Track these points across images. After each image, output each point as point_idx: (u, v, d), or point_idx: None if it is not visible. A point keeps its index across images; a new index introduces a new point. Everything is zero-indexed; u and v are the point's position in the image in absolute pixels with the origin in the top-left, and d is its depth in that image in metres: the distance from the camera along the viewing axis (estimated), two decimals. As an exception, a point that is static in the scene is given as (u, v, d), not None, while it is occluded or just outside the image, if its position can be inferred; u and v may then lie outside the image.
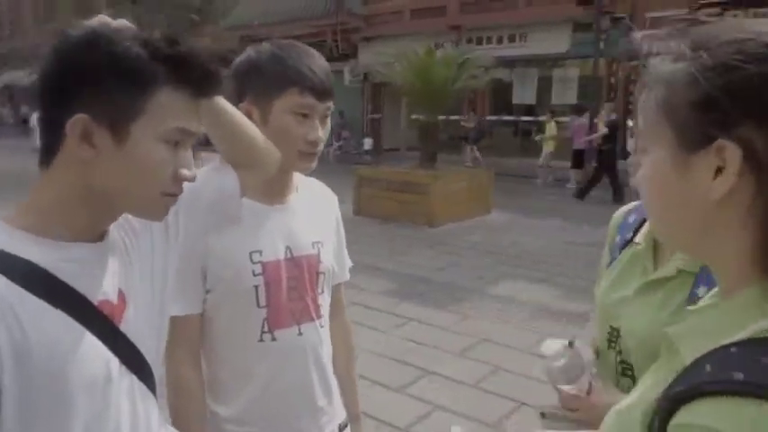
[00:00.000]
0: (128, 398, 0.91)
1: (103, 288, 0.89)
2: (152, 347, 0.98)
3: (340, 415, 1.50)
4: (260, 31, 21.44)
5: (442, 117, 10.37)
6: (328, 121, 1.36)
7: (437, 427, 3.47)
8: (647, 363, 0.80)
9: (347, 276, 1.61)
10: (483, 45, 16.67)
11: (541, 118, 15.35)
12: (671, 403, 0.58)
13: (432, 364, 4.26)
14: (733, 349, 0.58)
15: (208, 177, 1.09)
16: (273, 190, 1.36)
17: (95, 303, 0.87)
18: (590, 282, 5.44)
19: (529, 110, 18.07)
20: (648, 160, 0.67)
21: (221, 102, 1.03)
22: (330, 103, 1.33)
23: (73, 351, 0.82)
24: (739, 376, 0.54)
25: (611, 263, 1.28)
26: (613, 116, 12.05)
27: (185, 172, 0.89)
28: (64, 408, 0.82)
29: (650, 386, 0.68)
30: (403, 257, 7.22)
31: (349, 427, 1.54)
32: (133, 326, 0.93)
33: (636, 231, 1.24)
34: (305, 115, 1.29)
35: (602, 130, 11.78)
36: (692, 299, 1.04)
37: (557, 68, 17.32)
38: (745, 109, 0.58)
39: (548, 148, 13.79)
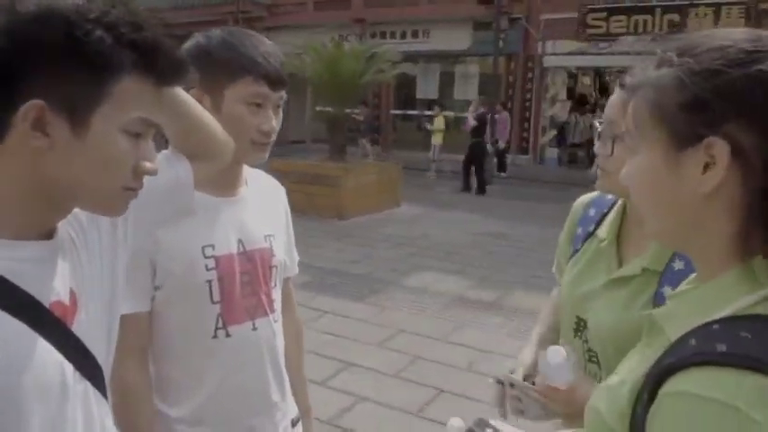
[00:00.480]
0: (82, 405, 0.84)
1: (55, 288, 0.81)
2: (103, 350, 0.91)
3: (292, 410, 1.48)
4: (151, 17, 20.47)
5: (348, 110, 10.39)
6: (280, 111, 1.32)
7: (361, 419, 3.48)
8: (615, 353, 0.88)
9: (296, 270, 1.58)
10: (387, 39, 16.83)
11: (428, 112, 15.83)
12: (659, 375, 0.63)
13: (352, 356, 4.27)
14: (715, 326, 0.63)
15: (160, 168, 1.02)
16: (224, 182, 1.32)
17: (47, 305, 0.79)
18: (498, 271, 5.71)
19: (432, 104, 18.49)
20: (638, 159, 0.72)
21: (180, 91, 0.98)
22: (283, 93, 1.30)
23: (26, 358, 0.75)
24: (722, 348, 0.59)
25: (573, 255, 1.33)
26: (481, 109, 12.77)
27: (147, 165, 0.83)
28: (16, 419, 0.74)
29: (637, 364, 0.72)
30: (315, 250, 7.16)
31: (301, 421, 1.52)
32: (85, 328, 0.85)
33: (597, 224, 1.29)
34: (258, 105, 1.26)
35: (472, 123, 12.42)
36: (658, 298, 1.10)
37: (458, 65, 17.84)
38: (732, 109, 0.63)
39: (436, 141, 14.20)
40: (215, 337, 1.28)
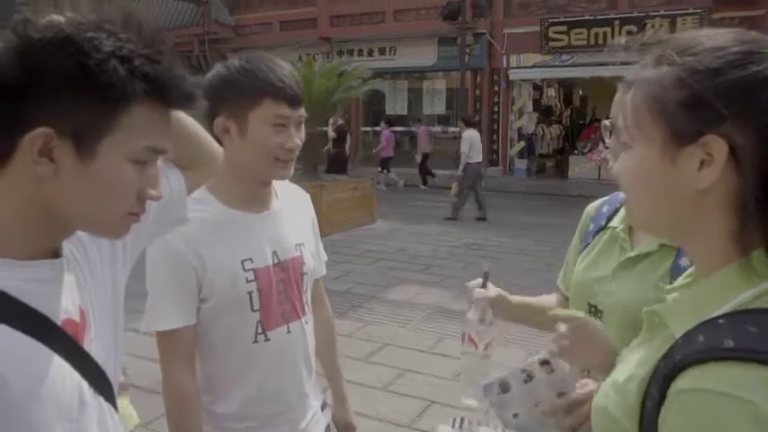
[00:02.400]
0: (99, 420, 0.86)
1: (65, 307, 0.82)
2: (111, 365, 0.92)
3: (320, 397, 1.62)
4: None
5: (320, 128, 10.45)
6: (302, 127, 1.41)
7: (353, 433, 3.49)
8: (630, 333, 0.87)
9: (324, 270, 1.68)
10: (354, 57, 16.98)
11: (377, 128, 16.45)
12: (670, 371, 0.64)
13: (339, 372, 4.27)
14: (721, 321, 0.65)
15: None
16: (258, 200, 1.44)
17: (59, 324, 0.81)
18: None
19: (400, 119, 18.67)
20: (633, 154, 0.74)
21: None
22: (302, 110, 1.38)
23: (45, 378, 0.76)
24: (729, 343, 0.61)
25: (584, 248, 1.38)
26: (340, 122, 13.97)
27: (152, 192, 0.84)
28: None
29: (641, 360, 0.74)
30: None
31: (332, 408, 1.71)
32: (95, 344, 0.87)
33: (609, 219, 1.34)
34: (282, 125, 1.34)
35: (331, 135, 13.53)
36: (676, 270, 1.11)
37: (426, 80, 18.06)
38: (731, 108, 0.65)
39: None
40: (255, 341, 1.40)
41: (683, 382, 0.63)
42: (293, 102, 1.34)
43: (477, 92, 16.90)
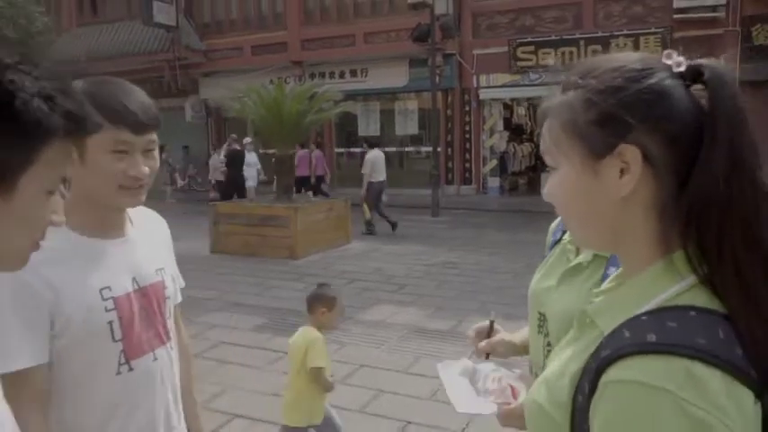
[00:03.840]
0: None
1: None
2: None
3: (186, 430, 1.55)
4: (89, 66, 20.13)
5: (292, 151, 10.44)
6: (155, 154, 1.35)
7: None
8: None
9: (180, 298, 1.62)
10: (325, 79, 17.08)
11: (354, 149, 16.63)
12: (599, 365, 0.69)
13: (315, 396, 4.22)
14: (644, 317, 0.70)
15: None
16: (111, 225, 1.37)
17: None
18: (452, 300, 5.77)
19: (373, 141, 18.76)
20: (560, 174, 0.80)
21: None
22: (151, 136, 1.32)
23: None
24: (652, 338, 0.66)
25: (544, 262, 1.42)
26: (234, 146, 14.59)
27: (55, 218, 0.85)
28: None
29: (571, 357, 0.78)
30: (269, 291, 7.10)
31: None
32: None
33: (564, 232, 1.38)
34: (123, 151, 1.27)
35: (221, 160, 14.21)
36: (605, 279, 1.16)
37: (398, 101, 18.21)
38: (636, 118, 0.72)
39: None
40: (119, 373, 1.32)
41: (612, 374, 0.67)
42: (136, 128, 1.27)
43: (449, 111, 17.10)
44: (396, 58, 16.95)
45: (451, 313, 6.12)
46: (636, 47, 14.32)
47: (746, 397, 0.65)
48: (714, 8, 13.53)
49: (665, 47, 14.04)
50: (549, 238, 1.45)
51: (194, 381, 1.71)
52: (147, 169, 1.31)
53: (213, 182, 14.38)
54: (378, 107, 18.45)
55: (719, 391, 0.63)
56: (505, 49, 15.87)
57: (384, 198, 11.33)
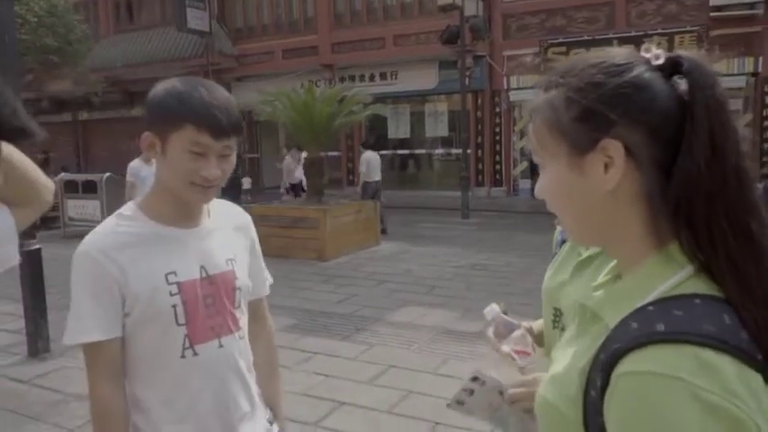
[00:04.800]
0: None
1: None
2: None
3: (264, 414, 1.59)
4: (125, 73, 20.60)
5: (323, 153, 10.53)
6: (231, 159, 1.39)
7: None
8: None
9: (267, 291, 1.70)
10: (356, 82, 17.15)
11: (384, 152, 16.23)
12: (611, 358, 0.69)
13: (343, 396, 4.25)
14: (650, 308, 0.71)
15: None
16: (186, 216, 1.44)
17: None
18: (482, 302, 5.74)
19: (403, 143, 18.79)
20: (548, 172, 0.82)
21: (8, 147, 1.02)
22: (230, 142, 1.36)
23: None
24: (661, 327, 0.67)
25: (555, 258, 1.43)
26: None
27: None
28: None
29: (578, 353, 0.79)
30: (298, 293, 7.16)
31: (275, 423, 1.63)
32: None
33: None
34: (200, 153, 1.33)
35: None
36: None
37: (427, 103, 18.21)
38: (617, 112, 0.73)
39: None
40: (183, 356, 1.38)
41: (623, 366, 0.67)
42: (216, 132, 1.32)
43: (479, 113, 17.03)
44: (425, 61, 16.95)
45: (481, 315, 6.01)
46: (671, 46, 14.05)
47: (757, 380, 0.65)
48: (752, 5, 13.19)
49: (700, 45, 13.76)
50: (557, 237, 1.46)
51: (278, 367, 1.76)
52: (219, 172, 1.36)
53: (288, 184, 13.90)
54: (407, 109, 18.47)
55: (731, 375, 0.64)
56: (536, 50, 15.73)
57: (383, 200, 11.31)
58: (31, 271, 5.22)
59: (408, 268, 8.40)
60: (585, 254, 1.28)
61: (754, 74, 13.62)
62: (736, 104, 14.24)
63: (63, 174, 12.92)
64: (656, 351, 0.66)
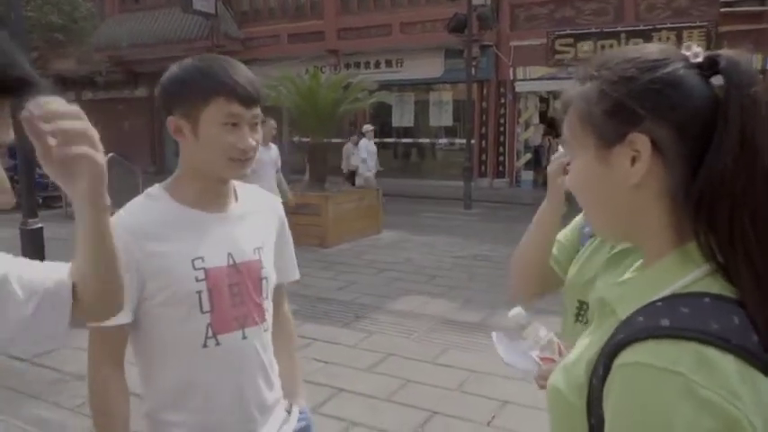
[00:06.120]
0: None
1: None
2: None
3: (283, 405, 1.56)
4: (129, 53, 20.51)
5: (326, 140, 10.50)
6: (259, 128, 1.39)
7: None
8: None
9: (297, 275, 1.68)
10: (361, 69, 17.08)
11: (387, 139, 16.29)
12: (613, 349, 0.71)
13: (342, 382, 4.27)
14: (659, 303, 0.72)
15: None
16: (214, 199, 1.41)
17: None
18: (482, 292, 5.75)
19: (407, 131, 18.73)
20: (577, 163, 0.83)
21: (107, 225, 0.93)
22: (257, 110, 1.36)
23: None
24: (666, 322, 0.68)
25: (581, 251, 1.40)
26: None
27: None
28: None
29: (590, 343, 0.80)
30: (301, 279, 7.15)
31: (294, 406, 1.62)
32: None
33: None
34: (233, 124, 1.32)
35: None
36: None
37: (432, 92, 18.13)
38: (646, 107, 0.74)
39: None
40: (205, 346, 1.34)
41: (624, 357, 0.69)
42: (246, 100, 1.31)
43: (484, 104, 16.96)
44: (431, 49, 16.85)
45: (481, 306, 6.10)
46: (679, 41, 13.93)
47: (762, 382, 0.65)
48: (763, 1, 13.09)
49: (709, 41, 13.67)
50: (577, 233, 1.44)
51: (296, 349, 1.73)
52: (254, 142, 1.35)
53: (345, 171, 13.44)
54: (412, 98, 18.40)
55: (732, 374, 0.64)
56: (543, 41, 15.64)
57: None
58: (33, 249, 5.23)
59: (409, 257, 8.40)
60: (619, 247, 1.27)
61: (763, 71, 13.53)
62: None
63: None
64: (657, 345, 0.67)
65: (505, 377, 3.92)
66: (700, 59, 0.76)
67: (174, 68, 1.36)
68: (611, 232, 0.86)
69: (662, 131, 0.74)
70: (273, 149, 7.13)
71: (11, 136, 0.83)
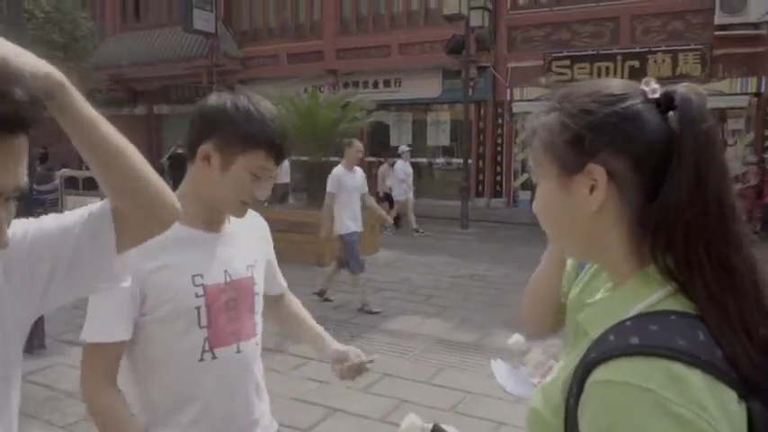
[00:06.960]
0: None
1: None
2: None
3: (273, 425, 1.61)
4: (129, 71, 20.65)
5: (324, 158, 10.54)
6: (272, 180, 1.46)
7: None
8: None
9: (285, 285, 1.80)
10: (359, 89, 17.17)
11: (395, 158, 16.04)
12: (586, 368, 0.73)
13: (337, 402, 4.25)
14: (628, 323, 0.74)
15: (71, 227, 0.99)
16: (214, 220, 1.47)
17: None
18: (478, 313, 5.74)
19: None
20: (541, 190, 0.87)
21: (114, 135, 0.95)
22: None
23: None
24: (635, 340, 0.70)
25: (581, 273, 1.42)
26: (179, 150, 13.47)
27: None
28: None
29: (566, 364, 0.83)
30: (296, 298, 7.14)
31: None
32: None
33: None
34: (259, 177, 1.40)
35: (164, 162, 13.66)
36: None
37: (430, 112, 18.23)
38: (603, 140, 0.78)
39: None
40: (201, 359, 1.39)
41: (597, 375, 0.71)
42: (280, 158, 1.41)
43: (481, 124, 17.06)
44: (430, 70, 16.99)
45: (476, 326, 6.09)
46: (674, 63, 14.11)
47: (729, 396, 0.67)
48: (757, 25, 13.26)
49: (704, 64, 13.81)
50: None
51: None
52: (269, 192, 1.45)
53: (381, 193, 12.98)
54: (410, 117, 18.51)
55: (700, 389, 0.66)
56: (540, 62, 15.78)
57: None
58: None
59: (406, 276, 8.41)
60: None
61: (757, 94, 13.66)
62: (738, 124, 14.29)
63: (64, 170, 12.93)
64: (628, 362, 0.69)
65: (500, 399, 3.90)
66: (657, 95, 0.78)
67: (226, 101, 1.38)
68: (575, 252, 0.91)
69: (618, 163, 0.77)
70: (359, 173, 6.72)
71: (19, 180, 0.78)
